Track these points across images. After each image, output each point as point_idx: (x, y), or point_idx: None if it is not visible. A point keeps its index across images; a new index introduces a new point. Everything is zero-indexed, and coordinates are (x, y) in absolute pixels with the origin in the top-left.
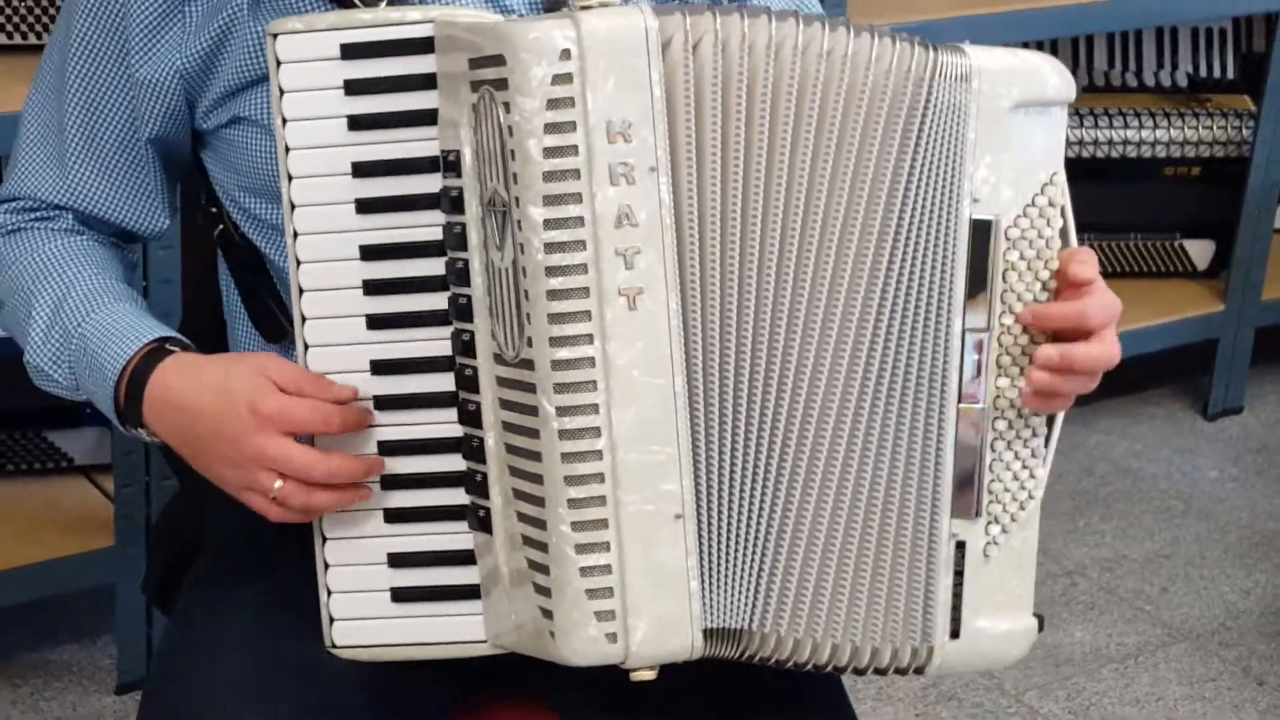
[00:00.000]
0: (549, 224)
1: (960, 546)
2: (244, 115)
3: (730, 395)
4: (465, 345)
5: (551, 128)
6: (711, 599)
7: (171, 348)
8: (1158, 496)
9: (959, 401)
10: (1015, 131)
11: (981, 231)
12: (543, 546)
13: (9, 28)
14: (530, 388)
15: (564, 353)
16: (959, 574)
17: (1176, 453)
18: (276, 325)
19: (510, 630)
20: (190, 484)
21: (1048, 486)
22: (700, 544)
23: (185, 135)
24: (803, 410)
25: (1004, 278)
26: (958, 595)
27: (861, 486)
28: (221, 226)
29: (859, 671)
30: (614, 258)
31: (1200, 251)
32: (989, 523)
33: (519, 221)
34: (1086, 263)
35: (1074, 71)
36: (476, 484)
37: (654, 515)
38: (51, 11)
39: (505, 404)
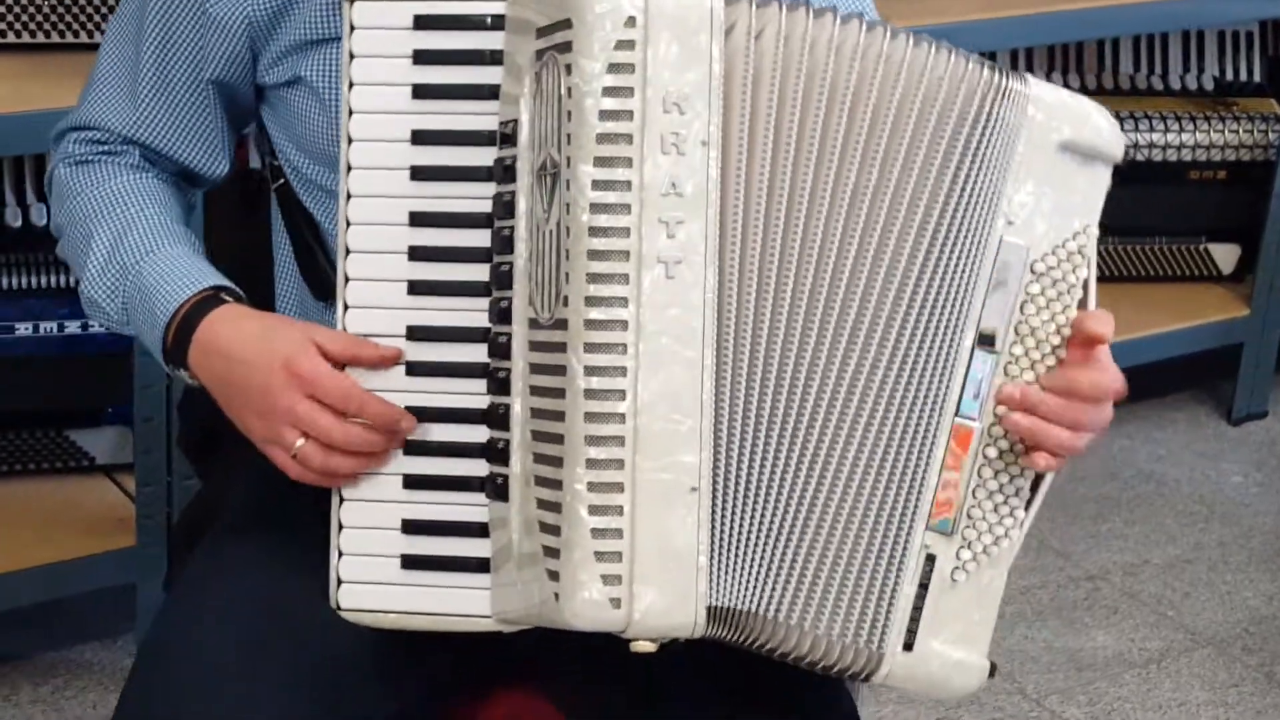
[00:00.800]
0: (596, 185)
1: (930, 560)
2: (304, 77)
3: (756, 376)
4: (503, 313)
5: (610, 91)
6: (717, 577)
7: (225, 297)
8: (1181, 501)
9: (955, 415)
10: (1060, 170)
11: (1009, 253)
12: (556, 507)
13: (31, 26)
14: (561, 348)
15: (598, 313)
16: (924, 587)
17: (1200, 457)
18: (326, 283)
19: (515, 599)
20: (211, 483)
21: (1071, 490)
22: (712, 520)
23: (248, 85)
24: (813, 400)
25: (1022, 308)
26: (918, 609)
27: (853, 480)
28: (282, 181)
29: (810, 666)
30: (656, 225)
31: (1225, 255)
32: (962, 546)
33: (568, 181)
34: (1102, 320)
35: (1099, 74)
36: (498, 451)
37: (670, 485)
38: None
39: (535, 368)
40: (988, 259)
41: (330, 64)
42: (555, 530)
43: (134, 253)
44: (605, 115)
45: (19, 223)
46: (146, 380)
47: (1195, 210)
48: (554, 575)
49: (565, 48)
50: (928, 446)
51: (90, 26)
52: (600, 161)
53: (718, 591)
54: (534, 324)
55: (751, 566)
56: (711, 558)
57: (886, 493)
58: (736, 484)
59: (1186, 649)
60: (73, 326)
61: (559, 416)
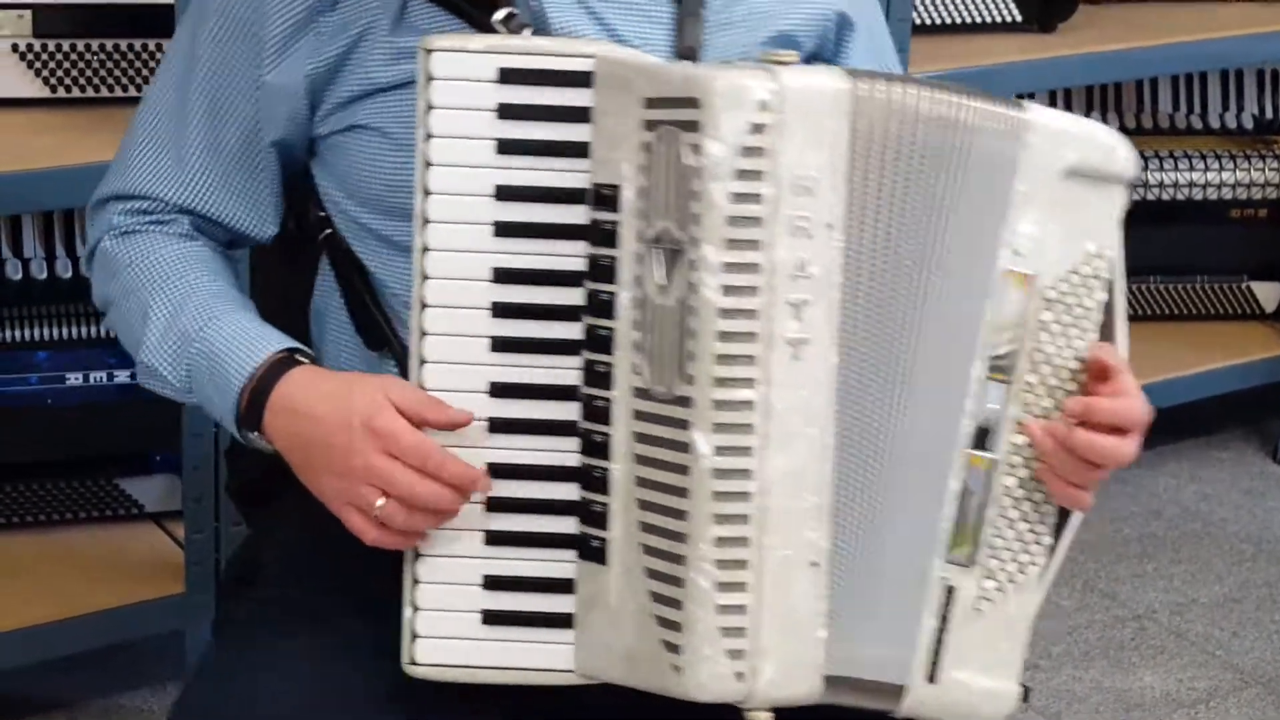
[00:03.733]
0: (727, 267)
1: (950, 591)
2: (362, 124)
3: (868, 448)
4: (599, 376)
5: (741, 174)
6: (843, 647)
7: (300, 359)
8: (1227, 540)
9: (970, 447)
10: (1068, 195)
11: (1016, 284)
12: (676, 581)
13: (80, 80)
14: (682, 424)
15: (726, 393)
16: (944, 619)
17: (1246, 495)
18: (379, 334)
19: (614, 660)
20: (260, 531)
21: (1116, 529)
22: (831, 592)
23: (304, 139)
24: (892, 460)
25: (1035, 336)
26: (940, 641)
27: (887, 516)
28: (329, 231)
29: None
30: (784, 307)
31: (1268, 294)
32: (984, 576)
33: (693, 261)
34: (1113, 353)
35: (1138, 115)
36: (594, 514)
37: (793, 561)
38: (138, 67)
39: (644, 438)
40: (992, 289)
41: (390, 109)
42: (674, 603)
43: (196, 320)
44: (736, 199)
45: (69, 274)
46: (195, 428)
47: (1237, 249)
48: (673, 647)
49: (690, 126)
50: (940, 479)
51: (109, 81)
52: (730, 244)
53: (834, 661)
54: (643, 394)
55: (883, 637)
56: (830, 629)
57: (907, 525)
58: (854, 556)
59: (1235, 688)
60: (122, 375)
61: (679, 491)
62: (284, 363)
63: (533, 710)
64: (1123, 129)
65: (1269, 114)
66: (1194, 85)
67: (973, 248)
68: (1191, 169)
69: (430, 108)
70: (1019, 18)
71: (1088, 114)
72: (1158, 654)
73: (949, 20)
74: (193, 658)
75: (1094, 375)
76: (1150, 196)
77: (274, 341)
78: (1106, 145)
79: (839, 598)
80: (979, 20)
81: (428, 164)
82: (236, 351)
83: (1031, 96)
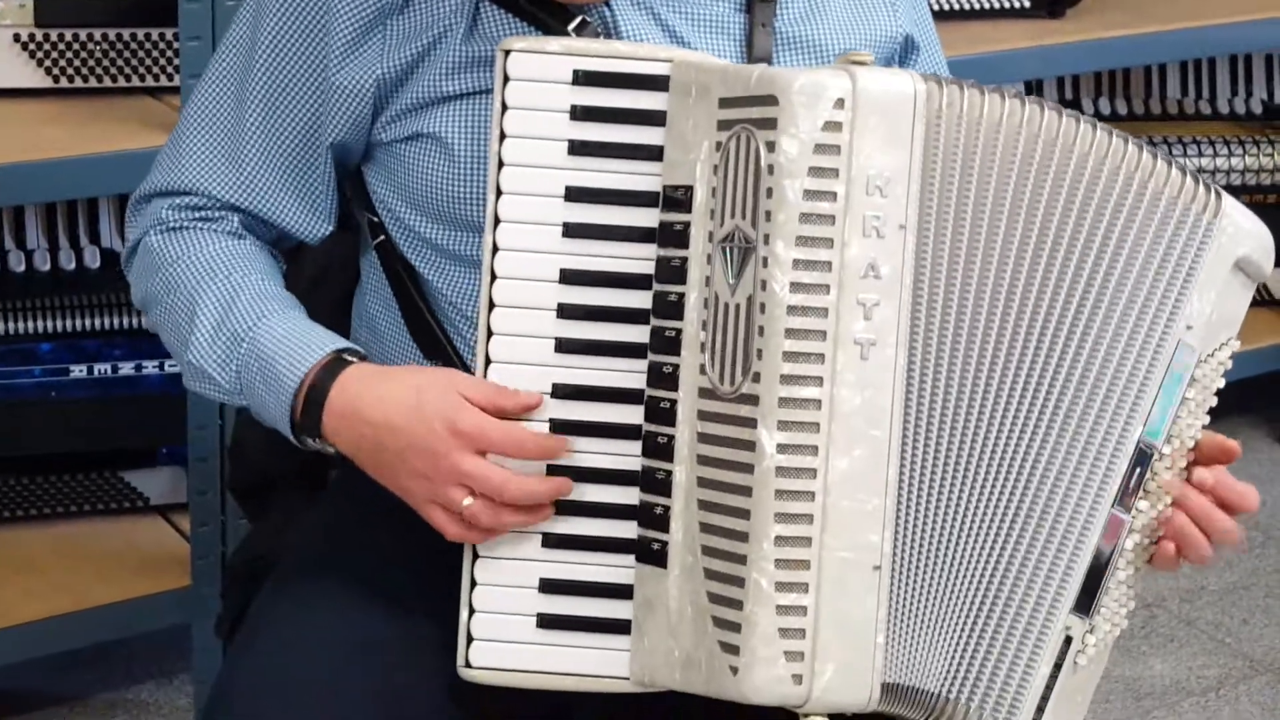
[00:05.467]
0: (797, 264)
1: (1067, 642)
2: (428, 131)
3: (939, 457)
4: (665, 377)
5: (815, 171)
6: (892, 654)
7: (349, 358)
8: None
9: (1113, 506)
10: (1229, 284)
11: (1184, 358)
12: (737, 581)
13: (84, 70)
14: (748, 423)
15: (792, 391)
16: (1058, 667)
17: (1255, 482)
18: (434, 339)
19: (670, 666)
20: (263, 526)
21: None
22: (890, 598)
23: (363, 143)
24: (986, 483)
25: (1180, 409)
26: (1049, 688)
27: (1014, 561)
28: (383, 237)
29: None
30: (854, 307)
31: (1278, 279)
32: (1088, 631)
33: (764, 259)
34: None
35: (1146, 100)
36: (655, 517)
37: (854, 563)
38: (140, 57)
39: (708, 438)
40: (1163, 359)
41: (460, 118)
42: (733, 603)
43: (245, 320)
44: (809, 195)
45: (72, 265)
46: (200, 421)
47: None
48: (731, 648)
49: (766, 124)
50: (1086, 535)
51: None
52: (802, 241)
53: (892, 668)
54: (708, 394)
55: (924, 644)
56: (889, 635)
57: (1035, 574)
58: (916, 563)
59: (1245, 676)
60: (126, 368)
61: (741, 490)
62: (335, 365)
63: (576, 707)
64: (1131, 115)
65: (1278, 99)
66: (1203, 71)
67: (1145, 304)
68: (1201, 154)
69: (505, 108)
70: (1027, 4)
71: (1096, 100)
72: (1168, 642)
73: (957, 7)
74: (200, 650)
75: (1210, 458)
76: None
77: (324, 342)
78: (1270, 249)
79: (899, 603)
80: (987, 7)
81: (501, 164)
82: (287, 353)
83: (1040, 84)
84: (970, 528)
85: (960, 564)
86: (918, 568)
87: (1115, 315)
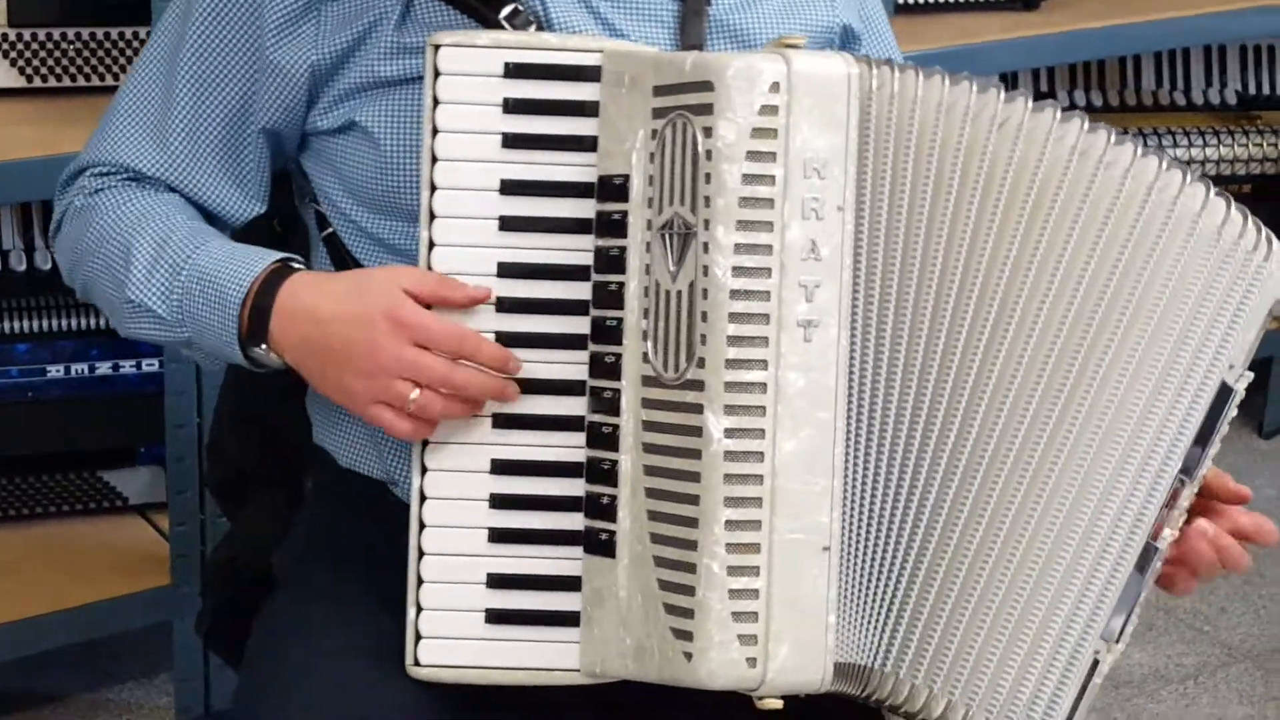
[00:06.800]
0: (738, 248)
1: (1095, 665)
2: (360, 122)
3: (886, 437)
4: (607, 367)
5: (753, 155)
6: (843, 634)
7: (296, 265)
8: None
9: (1150, 537)
10: (1262, 322)
11: (1223, 396)
12: (688, 567)
13: (56, 70)
14: (694, 408)
15: (738, 375)
16: (1084, 689)
17: (1232, 471)
18: None
19: (622, 655)
20: (242, 524)
21: None
22: (840, 578)
23: (296, 133)
24: (961, 469)
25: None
26: (1075, 708)
27: (1031, 572)
28: (331, 229)
29: None
30: (796, 289)
31: None
32: (1105, 651)
33: (705, 244)
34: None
35: (1121, 92)
36: (602, 507)
37: (804, 545)
38: (115, 55)
39: (653, 426)
40: (1206, 396)
41: (392, 109)
42: (685, 590)
43: (183, 250)
44: (748, 179)
45: (49, 266)
46: (178, 420)
47: None
48: (684, 634)
49: (702, 109)
50: (1120, 565)
51: (86, 70)
52: (742, 225)
53: (844, 648)
54: (652, 382)
55: (877, 624)
56: (839, 615)
57: (1063, 597)
58: (863, 542)
59: (1223, 664)
60: (104, 368)
61: (689, 476)
62: (281, 271)
63: (549, 705)
64: (1106, 107)
65: (1252, 89)
66: (1177, 62)
67: (1181, 341)
68: (1175, 145)
69: (437, 103)
70: None
71: (1071, 92)
72: (1146, 630)
73: (932, 0)
74: (180, 649)
75: (1223, 496)
76: None
77: (270, 254)
78: None
79: (847, 583)
80: (962, 0)
81: (434, 159)
82: (231, 267)
83: (1015, 76)
84: (930, 507)
85: (923, 547)
86: (869, 547)
87: (1164, 357)
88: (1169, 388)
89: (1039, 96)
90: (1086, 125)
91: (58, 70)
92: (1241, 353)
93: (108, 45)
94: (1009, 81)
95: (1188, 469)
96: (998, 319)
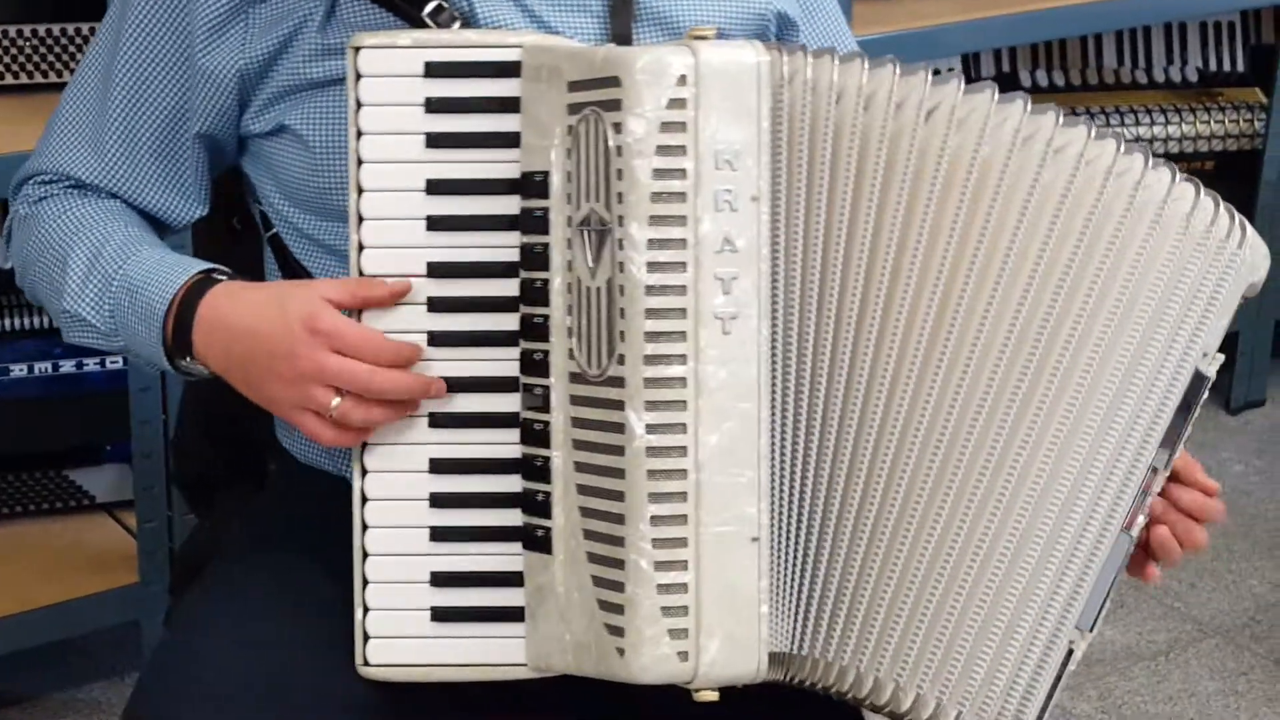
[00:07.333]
0: (652, 244)
1: (1069, 655)
2: (290, 125)
3: (814, 426)
4: (537, 364)
5: (663, 150)
6: (777, 623)
7: (218, 276)
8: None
9: (1123, 527)
10: (1235, 305)
11: (1197, 384)
12: (616, 563)
13: (14, 67)
14: (616, 405)
15: (656, 370)
16: (1059, 678)
17: (1200, 447)
18: None
19: (563, 650)
20: (209, 520)
21: None
22: (772, 568)
23: (232, 137)
24: (891, 456)
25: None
26: (1050, 697)
27: (1001, 564)
28: (274, 231)
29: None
30: (712, 282)
31: None
32: (1079, 640)
33: (620, 240)
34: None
35: (1083, 71)
36: (537, 504)
37: (732, 537)
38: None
39: (580, 422)
40: (1180, 385)
41: (320, 111)
42: (615, 586)
43: (114, 261)
44: (659, 174)
45: (9, 265)
46: (144, 417)
47: None
48: (616, 630)
49: (612, 105)
50: (1094, 556)
51: (43, 67)
52: (655, 220)
53: (780, 637)
54: (578, 378)
55: (803, 611)
56: (772, 605)
57: (1036, 588)
58: (790, 532)
59: (1194, 639)
60: (67, 366)
61: (615, 473)
62: (203, 283)
63: (495, 703)
64: (1069, 86)
65: (1213, 66)
66: (1138, 40)
67: (1152, 332)
68: (1138, 123)
69: (360, 105)
70: None
71: (1034, 72)
72: (1117, 607)
73: None
74: (150, 648)
75: (1191, 485)
76: None
77: (191, 265)
78: (1265, 272)
79: (780, 572)
80: None
81: (360, 161)
82: (156, 278)
83: (977, 57)
84: (856, 493)
85: (850, 532)
86: (797, 537)
87: (1132, 346)
88: (1139, 379)
89: (1000, 77)
90: (1029, 108)
91: (14, 67)
92: (1215, 340)
93: (64, 42)
94: (970, 63)
95: (1162, 459)
96: (942, 307)
